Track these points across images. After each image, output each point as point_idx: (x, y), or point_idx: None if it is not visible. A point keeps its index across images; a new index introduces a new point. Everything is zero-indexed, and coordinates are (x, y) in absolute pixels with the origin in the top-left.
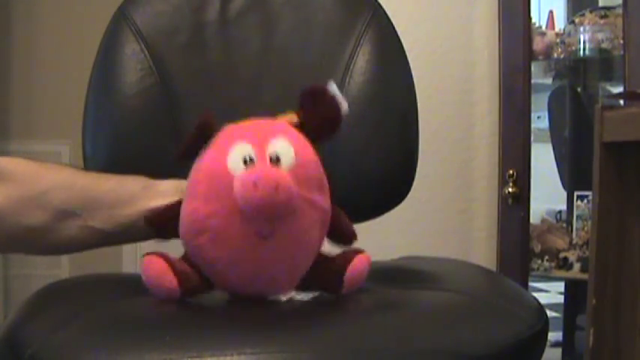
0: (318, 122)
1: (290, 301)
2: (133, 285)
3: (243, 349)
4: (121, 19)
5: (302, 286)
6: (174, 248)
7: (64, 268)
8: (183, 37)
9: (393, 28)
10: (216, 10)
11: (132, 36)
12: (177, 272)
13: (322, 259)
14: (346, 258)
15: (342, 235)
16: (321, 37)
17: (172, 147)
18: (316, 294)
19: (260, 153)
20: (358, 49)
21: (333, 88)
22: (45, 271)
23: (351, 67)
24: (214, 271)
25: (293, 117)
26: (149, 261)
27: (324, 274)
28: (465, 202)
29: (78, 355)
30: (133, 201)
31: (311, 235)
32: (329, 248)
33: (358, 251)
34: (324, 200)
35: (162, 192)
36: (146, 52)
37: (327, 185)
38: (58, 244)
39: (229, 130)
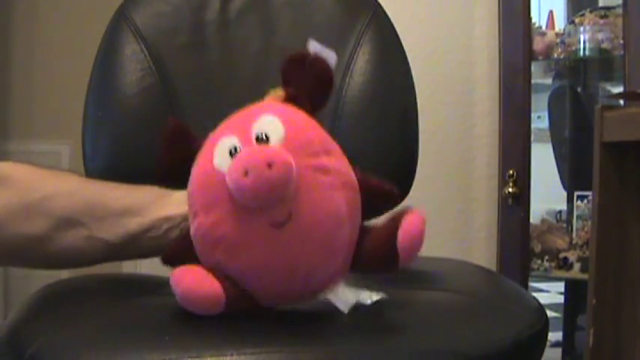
0: (307, 88)
1: (353, 308)
2: (133, 285)
3: (243, 349)
4: (121, 19)
5: (355, 270)
6: None
7: None
8: (183, 37)
9: (393, 28)
10: (216, 10)
11: (132, 36)
12: (218, 278)
13: (368, 232)
14: (394, 222)
15: (378, 196)
16: (321, 37)
17: None
18: (381, 296)
19: (245, 138)
20: (358, 49)
21: (312, 45)
22: (45, 272)
23: (351, 67)
24: (245, 283)
25: (278, 92)
26: (182, 272)
27: (375, 248)
28: (465, 202)
29: (78, 355)
30: (143, 210)
31: (333, 204)
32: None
33: (406, 211)
34: (337, 161)
35: (174, 201)
36: (146, 52)
37: (337, 147)
38: (60, 255)
39: (215, 130)
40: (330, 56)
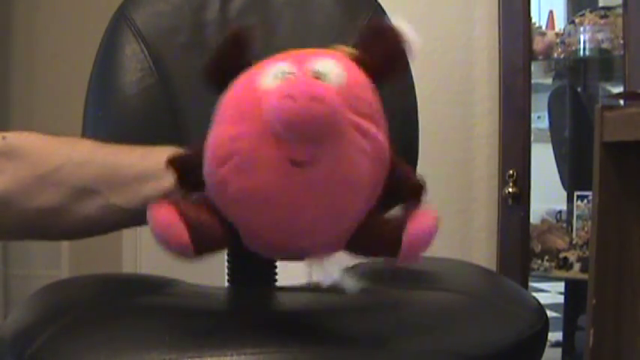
0: (377, 59)
1: (334, 286)
2: (133, 285)
3: (243, 349)
4: (121, 19)
5: (352, 248)
6: None
7: (63, 268)
8: (183, 37)
9: None
10: (216, 10)
11: (132, 36)
12: (190, 223)
13: (378, 216)
14: (406, 213)
15: (403, 186)
16: (321, 37)
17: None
18: (366, 284)
19: (301, 69)
20: None
21: (399, 21)
22: (45, 271)
23: None
24: (239, 211)
25: (349, 50)
26: (156, 210)
27: (380, 232)
28: (465, 202)
29: (78, 355)
30: (160, 174)
31: (361, 169)
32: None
33: (421, 207)
34: (378, 133)
35: None
36: (146, 52)
37: (385, 123)
38: (75, 226)
39: (271, 57)
40: (413, 39)
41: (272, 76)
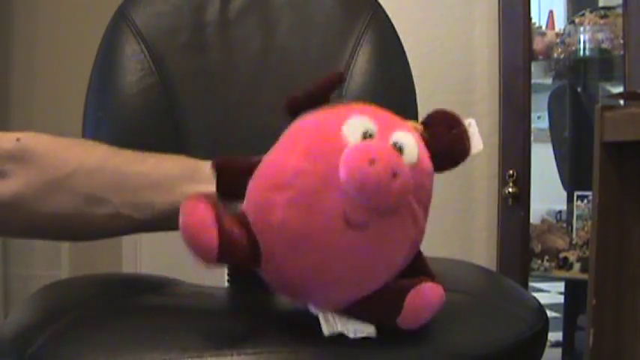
0: (440, 149)
1: (337, 335)
2: (133, 285)
3: (243, 349)
4: (120, 19)
5: (353, 308)
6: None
7: (64, 268)
8: (183, 37)
9: (393, 28)
10: (216, 10)
11: (132, 36)
12: (222, 229)
13: (387, 287)
14: (412, 282)
15: (419, 272)
16: (321, 37)
17: (173, 147)
18: (370, 331)
19: (383, 134)
20: (358, 49)
21: (472, 123)
22: (45, 271)
23: (351, 67)
24: (274, 240)
25: (418, 126)
26: (193, 205)
27: (381, 297)
28: (465, 202)
29: (78, 355)
30: (174, 186)
31: (399, 251)
32: None
33: (431, 279)
34: (424, 222)
35: (207, 175)
36: (146, 52)
37: (428, 212)
38: (84, 231)
39: (347, 104)
40: (477, 143)
41: (357, 131)
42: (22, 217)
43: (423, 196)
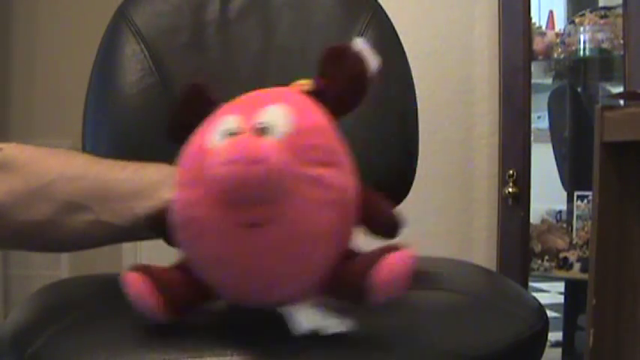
0: (340, 85)
1: (312, 342)
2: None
3: (243, 349)
4: (120, 19)
5: (326, 294)
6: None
7: (63, 268)
8: (183, 37)
9: (393, 28)
10: (216, 10)
11: (132, 36)
12: (162, 289)
13: (353, 258)
14: (376, 256)
15: (375, 223)
16: (321, 37)
17: (172, 147)
18: (344, 328)
19: (246, 124)
20: None
21: (357, 43)
22: (45, 272)
23: None
24: (204, 274)
25: (307, 83)
26: (128, 279)
27: (351, 276)
28: (465, 202)
29: (78, 355)
30: (153, 192)
31: (319, 221)
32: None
33: (396, 247)
34: (338, 176)
35: None
36: (146, 52)
37: (347, 160)
38: (65, 240)
39: (223, 107)
40: (372, 60)
41: (219, 134)
42: (4, 226)
43: (315, 155)
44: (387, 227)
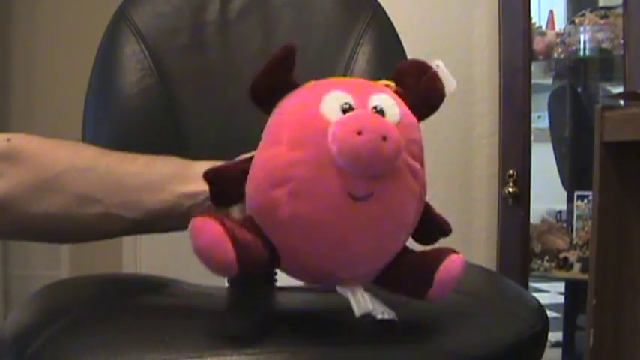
0: (413, 98)
1: (365, 317)
2: (133, 285)
3: (243, 349)
4: (121, 19)
5: (383, 282)
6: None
7: (63, 268)
8: (183, 37)
9: (393, 28)
10: (216, 10)
11: (132, 36)
12: (235, 241)
13: (408, 254)
14: (438, 255)
15: (433, 225)
16: (321, 37)
17: (173, 147)
18: (392, 316)
19: (361, 102)
20: (358, 49)
21: (439, 64)
22: (45, 272)
23: (351, 67)
24: (288, 235)
25: (391, 83)
26: (201, 225)
27: (410, 271)
28: (465, 202)
29: (78, 355)
30: (164, 185)
31: (408, 210)
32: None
33: (452, 250)
34: (424, 174)
35: (197, 175)
36: (146, 53)
37: (424, 163)
38: (74, 232)
39: (318, 82)
40: (450, 83)
41: (335, 106)
42: (13, 218)
43: (415, 150)
44: (438, 231)
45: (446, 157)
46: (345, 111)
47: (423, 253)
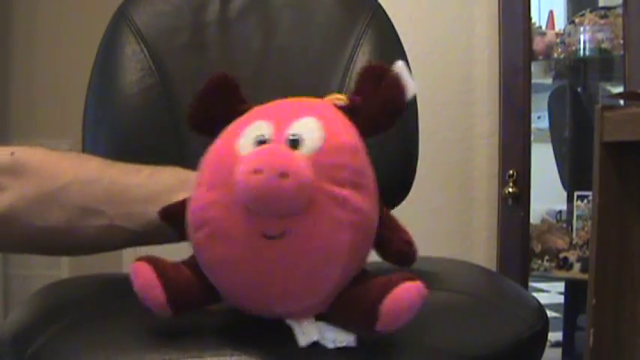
0: (374, 106)
1: (313, 344)
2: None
3: (243, 349)
4: (121, 19)
5: (330, 315)
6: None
7: (63, 268)
8: (183, 37)
9: (393, 28)
10: (216, 10)
11: (132, 36)
12: (167, 285)
13: (364, 281)
14: (387, 284)
15: (392, 252)
16: (321, 37)
17: (173, 147)
18: (349, 338)
19: (278, 133)
20: (358, 49)
21: (399, 66)
22: (45, 271)
23: (351, 67)
24: (212, 276)
25: (342, 98)
26: (135, 269)
27: (356, 304)
28: (465, 202)
29: (78, 355)
30: (167, 197)
31: (336, 242)
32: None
33: (409, 277)
34: (361, 199)
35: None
36: (146, 52)
37: (373, 184)
38: (78, 245)
39: (253, 110)
40: (410, 86)
41: (249, 140)
42: (17, 231)
43: (343, 175)
44: (400, 256)
45: (445, 157)
46: (260, 144)
47: (374, 281)
